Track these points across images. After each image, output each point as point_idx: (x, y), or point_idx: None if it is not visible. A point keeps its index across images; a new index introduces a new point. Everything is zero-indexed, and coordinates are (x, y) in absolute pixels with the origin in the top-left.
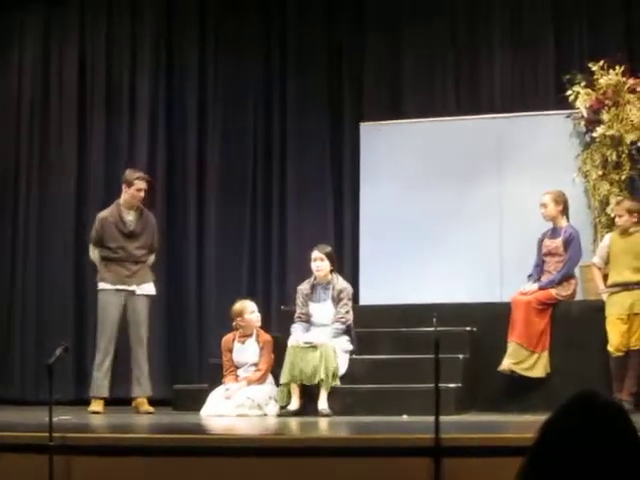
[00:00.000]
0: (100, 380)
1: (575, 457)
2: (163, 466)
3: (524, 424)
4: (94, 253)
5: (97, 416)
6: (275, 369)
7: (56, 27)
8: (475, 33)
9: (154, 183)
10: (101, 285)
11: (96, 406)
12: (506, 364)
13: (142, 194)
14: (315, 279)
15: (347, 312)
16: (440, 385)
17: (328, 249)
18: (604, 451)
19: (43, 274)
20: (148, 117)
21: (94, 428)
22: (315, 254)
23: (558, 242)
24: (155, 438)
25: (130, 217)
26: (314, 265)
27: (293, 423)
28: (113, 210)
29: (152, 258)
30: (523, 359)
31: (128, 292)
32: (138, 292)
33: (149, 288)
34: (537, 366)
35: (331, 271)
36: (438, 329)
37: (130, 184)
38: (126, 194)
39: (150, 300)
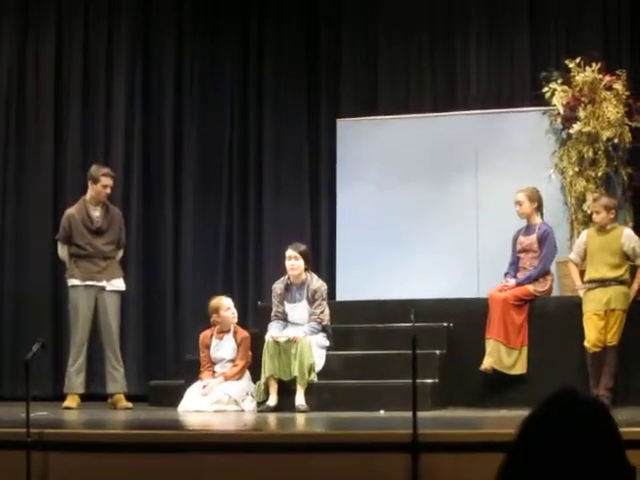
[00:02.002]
0: (74, 376)
1: (555, 453)
2: (141, 462)
3: (501, 420)
4: (63, 250)
5: (74, 412)
6: (252, 365)
7: (33, 20)
8: (452, 30)
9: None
10: (71, 282)
11: (70, 402)
12: (487, 363)
13: (108, 190)
14: (289, 278)
15: (322, 312)
16: (417, 381)
17: (302, 247)
18: (584, 447)
19: (20, 270)
20: (124, 111)
21: (71, 424)
22: (289, 252)
23: (532, 239)
24: (133, 434)
25: (97, 213)
26: (288, 264)
27: (270, 419)
28: (80, 207)
29: (120, 253)
30: (503, 356)
31: (98, 288)
32: (108, 288)
33: (119, 283)
34: (518, 363)
35: (305, 269)
36: (415, 325)
37: (96, 180)
38: (92, 190)
39: (120, 295)
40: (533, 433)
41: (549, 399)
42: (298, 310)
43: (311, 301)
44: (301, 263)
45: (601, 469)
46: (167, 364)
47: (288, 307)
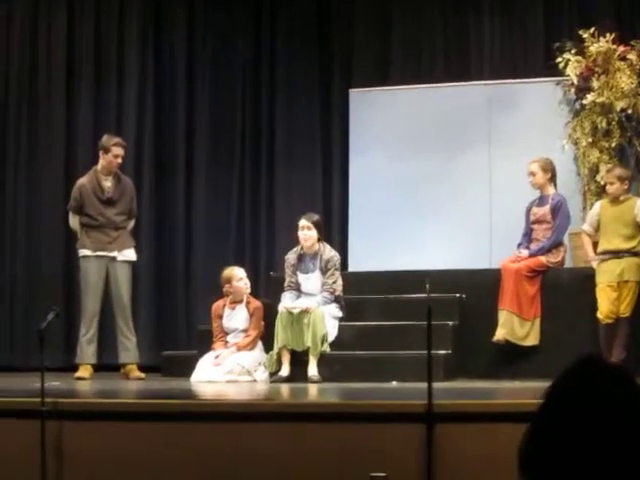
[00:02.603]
0: (86, 346)
1: (580, 420)
2: (154, 431)
3: (514, 390)
4: (74, 220)
5: (87, 382)
6: (264, 335)
7: None
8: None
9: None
10: (82, 252)
11: (82, 372)
12: (500, 334)
13: (119, 160)
14: (302, 249)
15: (334, 282)
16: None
17: (316, 217)
18: (609, 414)
19: (32, 241)
20: (137, 82)
21: (85, 394)
22: (302, 222)
23: (546, 210)
24: (146, 403)
25: (108, 183)
26: (301, 234)
27: (283, 389)
28: (91, 177)
29: (132, 223)
30: (516, 328)
31: (109, 258)
32: (119, 258)
33: (130, 254)
34: (531, 335)
35: (318, 240)
36: (426, 295)
37: (107, 150)
38: (103, 160)
39: (131, 266)
40: (556, 402)
41: (572, 367)
42: (311, 280)
43: (324, 271)
44: (314, 233)
45: (625, 436)
46: (179, 334)
47: (301, 277)
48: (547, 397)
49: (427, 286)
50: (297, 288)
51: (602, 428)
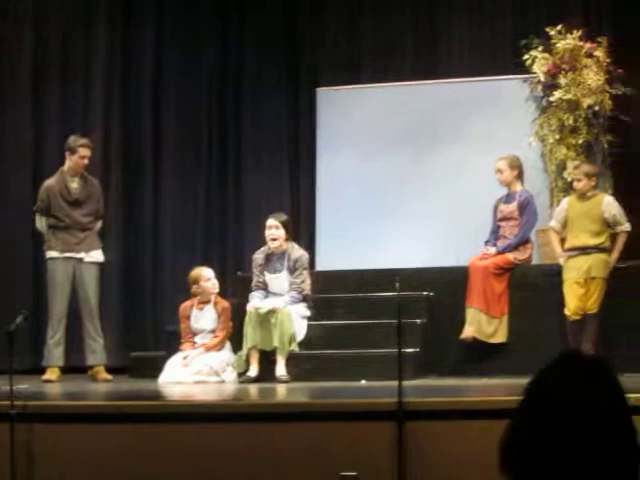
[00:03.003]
0: (53, 348)
1: (561, 416)
2: (123, 432)
3: (484, 388)
4: (41, 222)
5: (55, 384)
6: (232, 336)
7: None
8: None
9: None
10: (49, 254)
11: (50, 374)
12: (468, 332)
13: (86, 161)
14: (269, 249)
15: (303, 281)
16: (397, 349)
17: (284, 217)
18: (590, 409)
19: None
20: (104, 85)
21: (53, 396)
22: (270, 222)
23: (513, 207)
24: (115, 405)
25: (74, 185)
26: (269, 233)
27: (252, 389)
28: (58, 178)
29: (99, 224)
30: (484, 325)
31: (76, 260)
32: (87, 259)
33: (97, 255)
34: (499, 332)
35: (286, 239)
36: (394, 294)
37: (73, 151)
38: (70, 161)
39: (99, 267)
40: (537, 397)
41: (554, 361)
42: (279, 280)
43: (292, 271)
44: (282, 233)
45: (605, 430)
46: (147, 336)
47: (269, 277)
48: (527, 393)
49: (397, 284)
50: (265, 288)
51: (583, 423)
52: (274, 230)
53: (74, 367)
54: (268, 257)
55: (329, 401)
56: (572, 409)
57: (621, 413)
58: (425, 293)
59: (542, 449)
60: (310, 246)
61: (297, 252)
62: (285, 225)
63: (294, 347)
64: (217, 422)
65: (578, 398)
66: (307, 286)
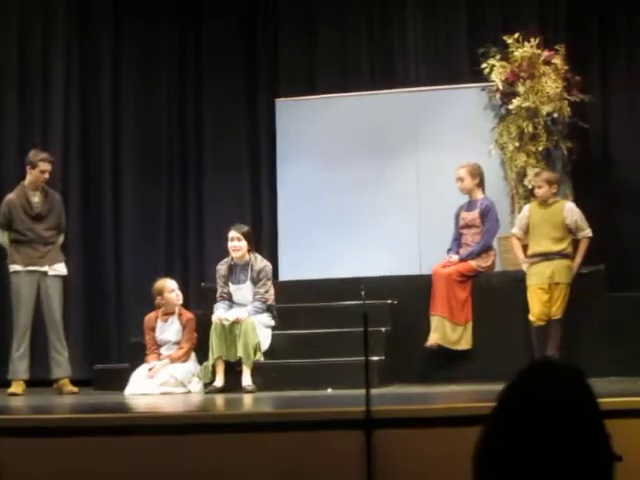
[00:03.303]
0: (18, 362)
1: (534, 422)
2: (90, 445)
3: (451, 394)
4: (3, 236)
5: (20, 398)
6: (197, 347)
7: None
8: (388, 7)
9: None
10: (13, 267)
11: (15, 388)
12: (433, 339)
13: (46, 175)
14: (232, 260)
15: (266, 292)
16: (363, 358)
17: (245, 228)
18: (563, 415)
19: None
20: (62, 95)
21: (20, 410)
22: (232, 234)
23: (475, 214)
24: (83, 418)
25: (36, 199)
26: (231, 245)
27: (218, 399)
28: (19, 192)
29: (61, 238)
30: (448, 332)
31: (40, 273)
32: (50, 273)
33: (61, 268)
34: (463, 339)
35: (249, 251)
36: (359, 302)
37: (34, 166)
38: (30, 175)
39: (62, 280)
40: (511, 404)
41: (528, 369)
42: (243, 291)
43: (255, 281)
44: (244, 244)
45: (579, 436)
46: (110, 348)
47: (232, 288)
48: (501, 399)
49: (362, 293)
50: (229, 298)
51: (556, 429)
52: (236, 242)
53: (39, 380)
54: (231, 268)
55: (297, 410)
56: (545, 415)
57: (594, 418)
58: (389, 301)
59: (516, 455)
60: (272, 256)
61: (260, 263)
62: (247, 236)
63: (259, 357)
64: (185, 434)
65: (551, 404)
66: (271, 296)
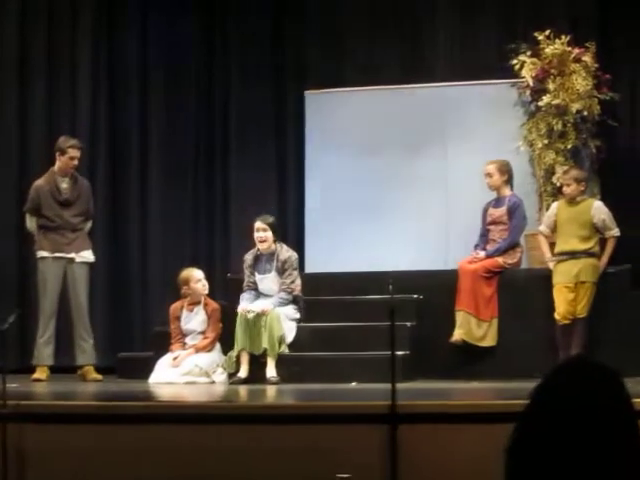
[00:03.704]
0: (43, 348)
1: (569, 421)
2: (113, 433)
3: (474, 391)
4: (31, 222)
5: (44, 384)
6: (222, 337)
7: None
8: (419, 1)
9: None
10: (40, 253)
11: (39, 374)
12: (457, 335)
13: (75, 162)
14: (259, 250)
15: (292, 282)
16: (388, 353)
17: (271, 219)
18: (597, 414)
19: None
20: (90, 82)
21: (44, 396)
22: (258, 224)
23: (502, 211)
24: (105, 405)
25: (65, 185)
26: (257, 235)
27: (241, 390)
28: (48, 178)
29: (89, 225)
30: (474, 328)
31: (67, 260)
32: (77, 259)
33: (88, 255)
34: (488, 335)
35: (275, 241)
36: (385, 297)
37: (63, 152)
38: (60, 162)
39: (89, 267)
40: (544, 402)
41: (561, 366)
42: (267, 281)
43: (281, 271)
44: (270, 235)
45: (614, 436)
46: (135, 336)
47: (258, 278)
48: (534, 398)
49: (390, 287)
50: (255, 288)
51: (590, 428)
52: (262, 233)
53: (63, 367)
54: (257, 258)
55: (322, 403)
56: (579, 414)
57: (629, 418)
58: (415, 296)
59: (548, 455)
60: (299, 248)
61: (286, 253)
62: (272, 227)
63: (284, 349)
64: (208, 423)
65: (586, 403)
66: (297, 287)
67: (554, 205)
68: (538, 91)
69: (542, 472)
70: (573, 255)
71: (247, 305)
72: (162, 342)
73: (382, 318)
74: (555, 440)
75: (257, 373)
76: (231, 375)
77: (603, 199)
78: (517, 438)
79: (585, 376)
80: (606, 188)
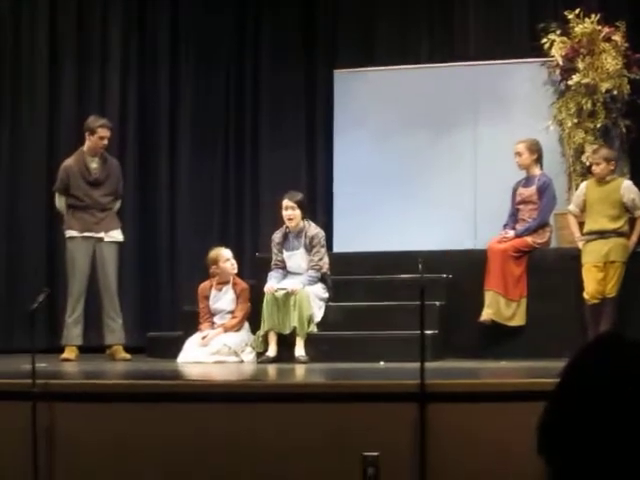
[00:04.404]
0: (72, 327)
1: (601, 397)
2: (144, 412)
3: (503, 370)
4: (60, 201)
5: (74, 363)
6: (251, 316)
7: None
8: None
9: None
10: (69, 233)
11: (68, 353)
12: (486, 315)
13: (105, 142)
14: (287, 228)
15: (320, 259)
16: (417, 332)
17: (299, 196)
18: (631, 391)
19: (14, 222)
20: (120, 62)
21: (74, 375)
22: (286, 202)
23: (532, 190)
24: (134, 384)
25: (94, 165)
26: (285, 214)
27: (270, 369)
28: (78, 158)
29: (118, 204)
30: (503, 308)
31: (96, 239)
32: (106, 239)
33: (117, 234)
34: (517, 315)
35: (303, 218)
36: (415, 276)
37: (93, 132)
38: (89, 142)
39: (118, 246)
40: (576, 379)
41: (591, 343)
42: (296, 258)
43: (309, 248)
44: (298, 212)
45: None
46: (164, 316)
47: (286, 255)
48: (566, 374)
49: (420, 266)
50: (283, 267)
51: (623, 405)
52: (290, 211)
53: (91, 347)
54: (286, 236)
55: (351, 382)
56: (612, 391)
57: None
58: (444, 275)
59: (581, 431)
60: (327, 227)
61: (313, 230)
62: (300, 204)
63: (312, 328)
64: (238, 402)
65: (618, 380)
66: (325, 264)
67: (583, 184)
68: (568, 70)
69: (574, 450)
70: (602, 235)
71: (275, 284)
72: (191, 321)
73: (411, 297)
74: (587, 417)
75: (285, 352)
76: (259, 354)
77: (633, 178)
78: (549, 416)
79: (616, 352)
80: (636, 168)
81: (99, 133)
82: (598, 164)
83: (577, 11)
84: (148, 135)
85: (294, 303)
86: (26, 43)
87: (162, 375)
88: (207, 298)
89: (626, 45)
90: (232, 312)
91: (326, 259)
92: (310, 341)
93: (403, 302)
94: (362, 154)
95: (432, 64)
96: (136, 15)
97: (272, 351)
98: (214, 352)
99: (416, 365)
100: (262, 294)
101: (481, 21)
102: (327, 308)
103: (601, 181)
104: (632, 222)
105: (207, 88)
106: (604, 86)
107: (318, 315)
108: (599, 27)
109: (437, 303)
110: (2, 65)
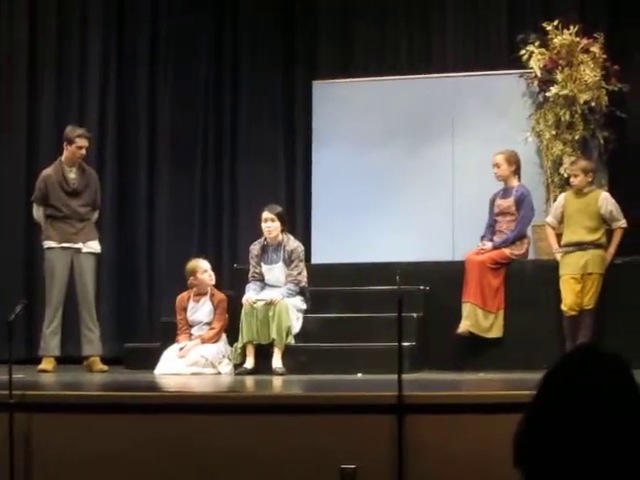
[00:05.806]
0: (49, 338)
1: (578, 408)
2: (121, 423)
3: (481, 382)
4: (38, 212)
5: (51, 375)
6: (228, 328)
7: None
8: None
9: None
10: (47, 243)
11: (46, 364)
12: (464, 326)
13: (83, 152)
14: (266, 240)
15: (299, 273)
16: (394, 344)
17: (278, 209)
18: (605, 402)
19: None
20: (99, 70)
21: (51, 386)
22: (265, 214)
23: (510, 202)
24: (111, 395)
25: (72, 175)
26: (264, 226)
27: (247, 381)
28: (56, 168)
29: (96, 215)
30: (480, 320)
31: (74, 250)
32: (84, 250)
33: (95, 245)
34: (495, 326)
35: (282, 231)
36: (392, 288)
37: (71, 142)
38: (67, 152)
39: (96, 257)
40: (553, 390)
41: (570, 355)
42: (275, 272)
43: (288, 262)
44: (277, 225)
45: (622, 424)
46: (141, 327)
47: (265, 268)
48: (542, 386)
49: (397, 278)
50: (261, 279)
51: (600, 416)
52: (269, 223)
53: (69, 357)
54: (264, 248)
55: (328, 394)
56: (588, 403)
57: (636, 407)
58: (421, 287)
59: (558, 442)
60: (305, 239)
61: (293, 244)
62: (280, 217)
63: (290, 340)
64: (214, 414)
65: (594, 392)
66: (304, 278)
67: (561, 196)
68: (546, 82)
69: (551, 460)
70: (580, 246)
71: (253, 295)
72: (169, 333)
73: (388, 309)
74: (564, 427)
75: (263, 364)
76: (237, 366)
77: (610, 190)
78: (525, 428)
79: (593, 364)
80: (614, 179)
81: (77, 143)
82: (576, 176)
83: (556, 22)
84: (127, 145)
85: (273, 314)
86: (3, 50)
87: (139, 386)
88: (185, 309)
89: (604, 56)
90: (210, 323)
91: (305, 273)
92: (288, 352)
93: (381, 314)
94: (341, 165)
95: (411, 75)
96: (115, 25)
97: (250, 363)
98: (191, 363)
99: (394, 377)
100: (240, 305)
101: (460, 32)
102: (305, 319)
103: (579, 193)
104: (610, 234)
105: (185, 101)
106: (582, 97)
107: (296, 326)
108: (578, 38)
109: (415, 315)
110: None
